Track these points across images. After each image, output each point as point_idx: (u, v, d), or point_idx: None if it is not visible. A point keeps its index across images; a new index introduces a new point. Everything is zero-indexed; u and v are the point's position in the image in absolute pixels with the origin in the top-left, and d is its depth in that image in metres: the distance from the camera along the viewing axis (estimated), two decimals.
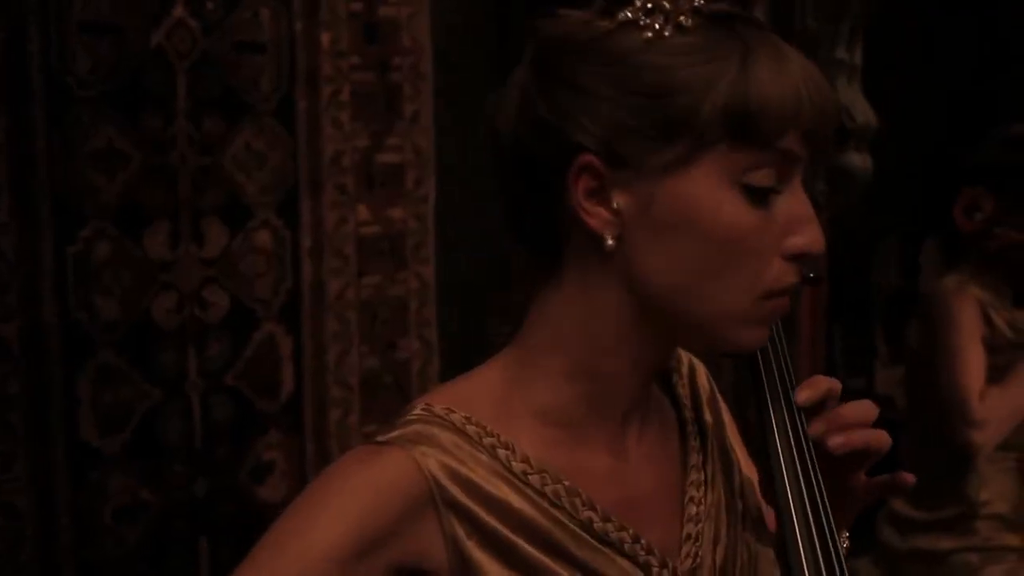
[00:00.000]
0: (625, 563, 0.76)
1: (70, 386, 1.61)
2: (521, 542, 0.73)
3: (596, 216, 0.73)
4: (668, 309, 0.75)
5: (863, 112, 2.34)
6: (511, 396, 0.78)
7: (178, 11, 1.67)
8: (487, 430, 0.76)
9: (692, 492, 0.82)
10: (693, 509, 0.81)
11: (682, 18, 0.73)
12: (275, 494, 1.83)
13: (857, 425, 0.78)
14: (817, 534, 0.73)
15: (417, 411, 0.76)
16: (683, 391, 0.87)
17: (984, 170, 2.01)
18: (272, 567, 0.70)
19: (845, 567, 0.74)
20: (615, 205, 0.73)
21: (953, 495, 2.02)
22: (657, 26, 0.73)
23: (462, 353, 0.83)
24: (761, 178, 0.72)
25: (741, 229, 0.72)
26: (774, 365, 0.79)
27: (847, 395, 0.79)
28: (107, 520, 1.65)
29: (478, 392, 0.79)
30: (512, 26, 2.04)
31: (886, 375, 3.15)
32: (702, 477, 0.83)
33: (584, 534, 0.75)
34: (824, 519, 0.75)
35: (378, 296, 1.96)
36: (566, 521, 0.75)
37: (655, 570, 0.77)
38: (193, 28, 1.69)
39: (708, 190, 0.72)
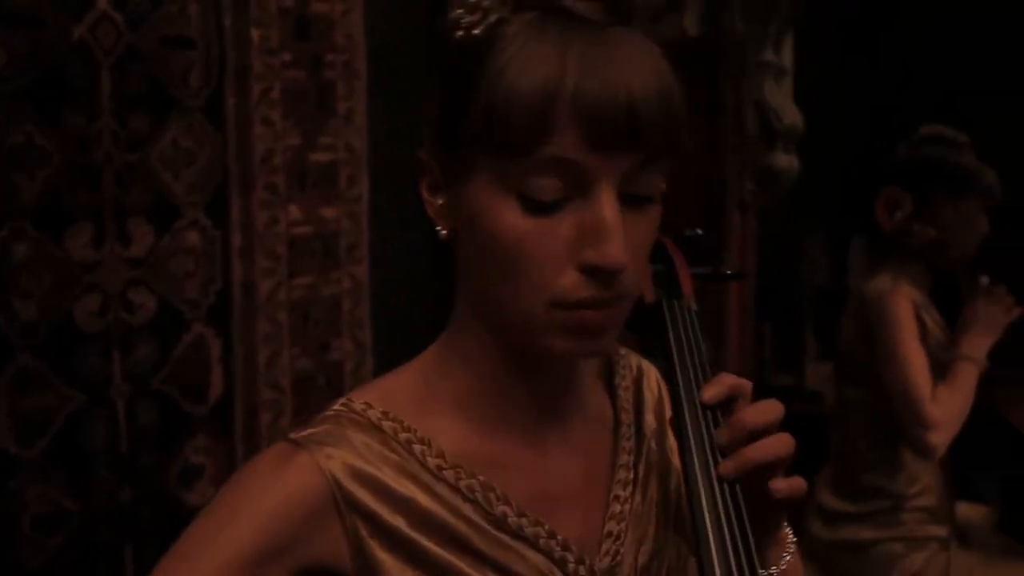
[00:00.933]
0: (539, 558, 0.77)
1: None
2: (426, 541, 0.74)
3: (431, 206, 0.77)
4: (485, 308, 0.76)
5: (790, 114, 2.38)
6: (432, 390, 0.79)
7: (102, 3, 1.62)
8: (404, 425, 0.76)
9: (618, 491, 0.83)
10: (617, 507, 0.82)
11: (493, 16, 0.71)
12: (203, 499, 1.79)
13: (759, 432, 0.74)
14: (728, 534, 0.72)
15: (335, 407, 0.77)
16: (624, 393, 0.88)
17: (900, 169, 2.07)
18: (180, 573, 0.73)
19: (755, 560, 0.72)
20: (438, 201, 0.76)
21: (882, 489, 2.07)
22: (467, 24, 0.72)
23: (399, 353, 0.83)
24: (537, 188, 0.70)
25: (514, 236, 0.71)
26: (689, 363, 0.79)
27: (779, 392, 0.79)
28: (25, 529, 1.59)
29: (401, 387, 0.79)
30: None
31: (816, 371, 3.21)
32: (631, 476, 0.84)
33: (495, 530, 0.76)
34: (736, 521, 0.73)
35: (310, 297, 1.93)
36: (476, 518, 0.75)
37: (571, 566, 0.78)
38: (118, 22, 1.64)
39: (486, 197, 0.72)
